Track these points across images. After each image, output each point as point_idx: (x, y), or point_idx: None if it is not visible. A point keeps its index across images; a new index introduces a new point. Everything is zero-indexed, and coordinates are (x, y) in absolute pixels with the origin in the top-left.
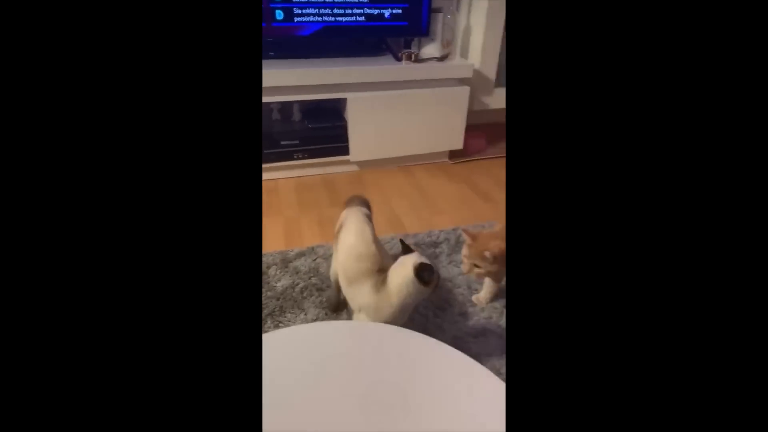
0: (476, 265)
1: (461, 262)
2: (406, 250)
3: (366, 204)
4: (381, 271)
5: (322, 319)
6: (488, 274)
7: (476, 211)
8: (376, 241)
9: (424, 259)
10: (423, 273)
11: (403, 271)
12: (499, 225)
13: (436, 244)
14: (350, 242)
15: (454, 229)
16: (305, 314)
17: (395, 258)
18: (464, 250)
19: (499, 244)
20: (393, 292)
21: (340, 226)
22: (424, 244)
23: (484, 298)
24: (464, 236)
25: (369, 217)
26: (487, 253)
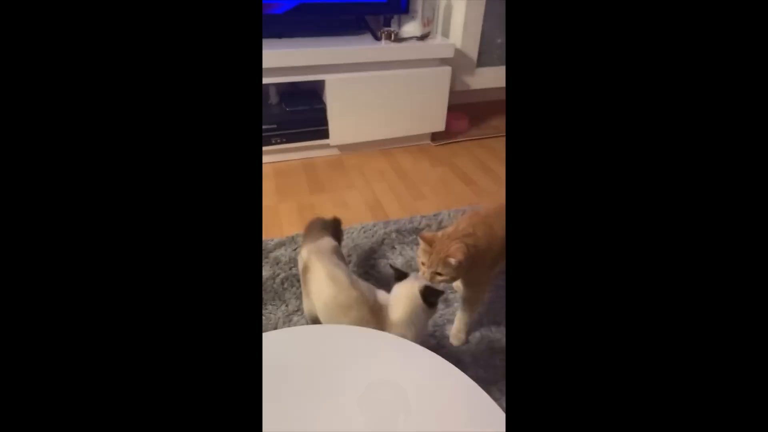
0: (438, 273)
1: (418, 269)
2: (400, 275)
3: (331, 227)
4: (372, 308)
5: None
6: (452, 279)
7: (458, 194)
8: (354, 280)
9: (422, 281)
10: (431, 297)
11: (408, 302)
12: (453, 225)
13: (418, 231)
14: (327, 294)
15: (435, 215)
16: (286, 306)
17: (375, 280)
18: (421, 257)
19: (460, 248)
20: (403, 325)
21: (305, 268)
22: (405, 231)
23: None
24: (420, 242)
25: (335, 249)
26: (452, 260)
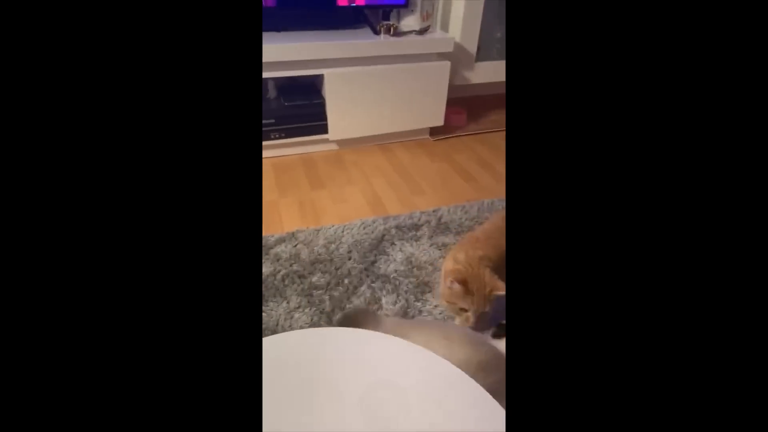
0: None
1: (454, 314)
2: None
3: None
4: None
5: (305, 307)
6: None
7: (457, 190)
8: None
9: None
10: None
11: None
12: (460, 251)
13: (417, 227)
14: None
15: (435, 210)
16: (287, 302)
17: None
18: (460, 303)
19: (491, 274)
20: None
21: None
22: (405, 227)
23: None
24: (452, 286)
25: None
26: (502, 293)
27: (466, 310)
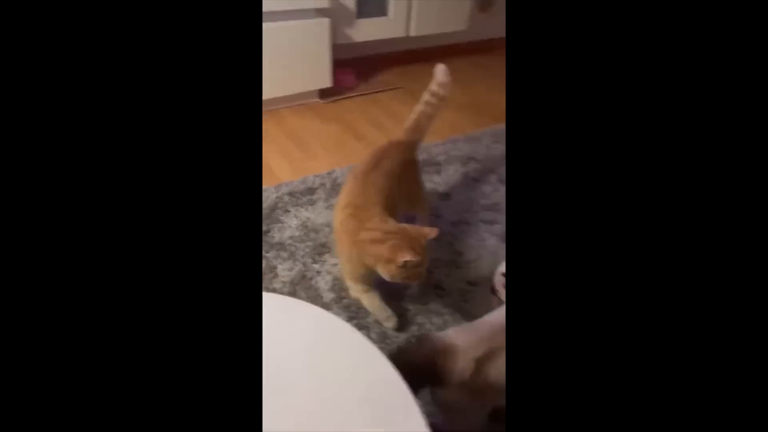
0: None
1: (409, 281)
2: None
3: None
4: None
5: None
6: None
7: (351, 152)
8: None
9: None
10: None
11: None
12: (370, 232)
13: (311, 191)
14: None
15: (329, 173)
16: None
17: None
18: (417, 267)
19: (413, 226)
20: None
21: None
22: (299, 192)
23: None
24: (409, 263)
25: None
26: (433, 236)
27: (417, 272)
